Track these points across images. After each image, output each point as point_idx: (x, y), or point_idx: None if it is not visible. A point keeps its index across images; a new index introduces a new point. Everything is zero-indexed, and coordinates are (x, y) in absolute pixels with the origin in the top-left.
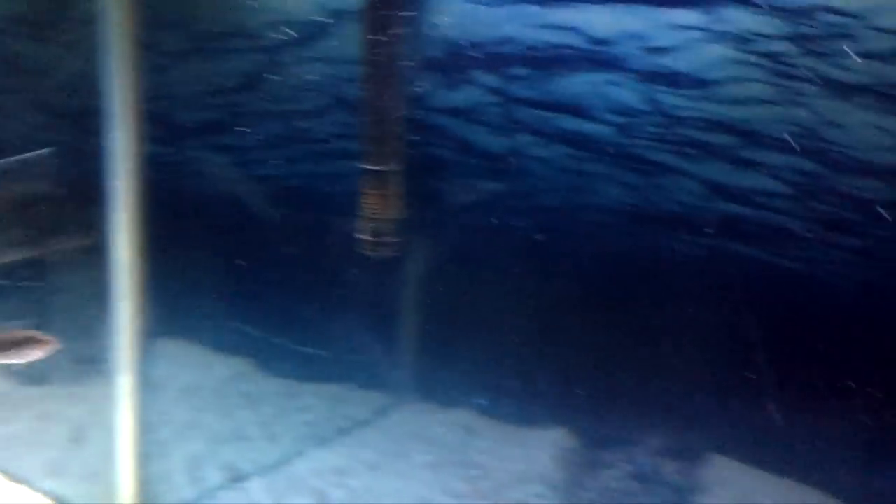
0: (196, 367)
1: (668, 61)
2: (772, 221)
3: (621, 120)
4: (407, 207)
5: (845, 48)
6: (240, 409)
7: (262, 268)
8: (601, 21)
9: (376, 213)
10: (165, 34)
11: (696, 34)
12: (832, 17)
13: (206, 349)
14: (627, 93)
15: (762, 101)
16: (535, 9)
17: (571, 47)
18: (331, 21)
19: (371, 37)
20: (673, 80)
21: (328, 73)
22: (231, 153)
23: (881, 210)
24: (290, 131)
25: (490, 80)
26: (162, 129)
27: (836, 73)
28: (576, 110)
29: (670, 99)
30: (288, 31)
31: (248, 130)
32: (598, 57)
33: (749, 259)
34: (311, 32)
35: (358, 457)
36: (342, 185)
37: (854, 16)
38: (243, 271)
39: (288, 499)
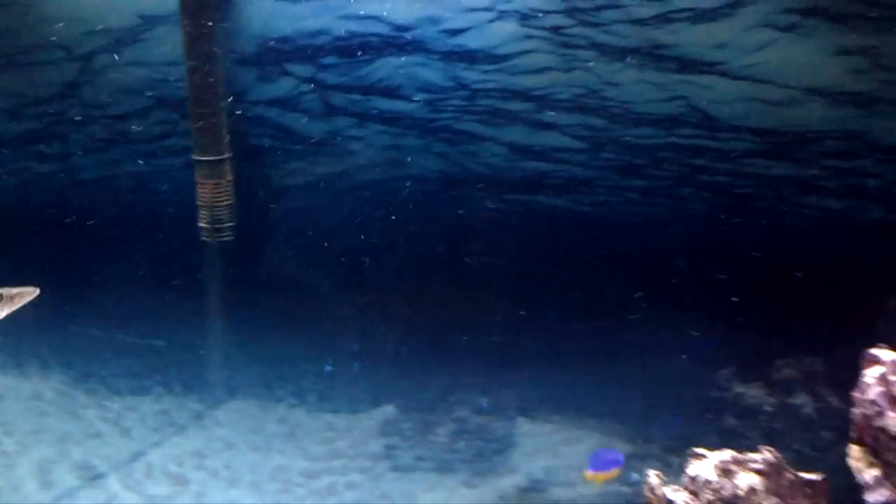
0: (36, 374)
1: (464, 41)
2: (569, 173)
3: (429, 96)
4: (239, 194)
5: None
6: (87, 409)
7: (101, 268)
8: (400, 9)
9: (212, 202)
10: None
11: (486, 14)
12: None
13: (46, 355)
14: (431, 72)
15: (549, 69)
16: (339, 2)
17: (376, 34)
18: (145, 26)
19: (190, 38)
20: (470, 57)
21: (146, 76)
22: (55, 161)
23: (662, 154)
24: (113, 134)
25: (304, 70)
26: None
27: (607, 39)
28: (387, 91)
29: (470, 74)
30: (103, 38)
31: (71, 137)
32: (401, 41)
33: (554, 208)
34: (126, 38)
35: (214, 437)
36: (174, 179)
37: None
38: (80, 274)
39: (148, 489)
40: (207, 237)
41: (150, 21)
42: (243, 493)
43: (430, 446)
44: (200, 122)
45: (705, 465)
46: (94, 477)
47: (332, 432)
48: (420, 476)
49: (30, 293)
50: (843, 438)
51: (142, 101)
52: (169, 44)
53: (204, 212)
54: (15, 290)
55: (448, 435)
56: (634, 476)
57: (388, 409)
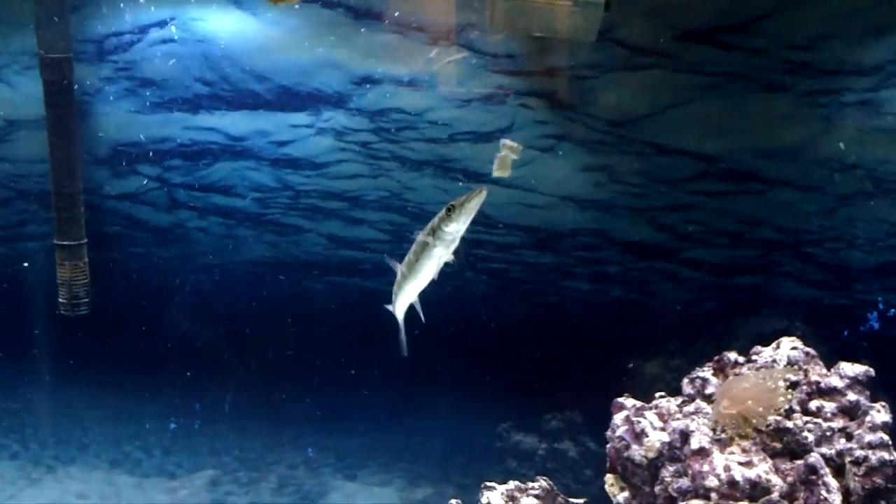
0: None
1: (289, 150)
2: (377, 260)
3: (260, 195)
4: (94, 273)
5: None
6: None
7: None
8: (236, 122)
9: (71, 280)
10: None
11: (308, 130)
12: (400, 115)
13: None
14: (262, 175)
15: (360, 176)
16: (183, 115)
17: (215, 143)
18: (10, 129)
19: (52, 140)
20: (295, 164)
21: (8, 171)
22: None
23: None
24: None
25: (152, 170)
26: None
27: (406, 153)
28: (224, 190)
29: (295, 178)
30: None
31: None
32: (236, 149)
33: (364, 289)
34: None
35: (68, 489)
36: (33, 261)
37: (414, 114)
38: None
39: None
40: (66, 311)
41: (13, 124)
42: None
43: (262, 492)
44: (61, 212)
45: (495, 494)
46: None
47: (175, 482)
48: None
49: (479, 195)
50: (600, 473)
51: (4, 193)
52: (31, 144)
53: (63, 289)
54: (468, 200)
55: (278, 481)
56: None
57: (226, 461)
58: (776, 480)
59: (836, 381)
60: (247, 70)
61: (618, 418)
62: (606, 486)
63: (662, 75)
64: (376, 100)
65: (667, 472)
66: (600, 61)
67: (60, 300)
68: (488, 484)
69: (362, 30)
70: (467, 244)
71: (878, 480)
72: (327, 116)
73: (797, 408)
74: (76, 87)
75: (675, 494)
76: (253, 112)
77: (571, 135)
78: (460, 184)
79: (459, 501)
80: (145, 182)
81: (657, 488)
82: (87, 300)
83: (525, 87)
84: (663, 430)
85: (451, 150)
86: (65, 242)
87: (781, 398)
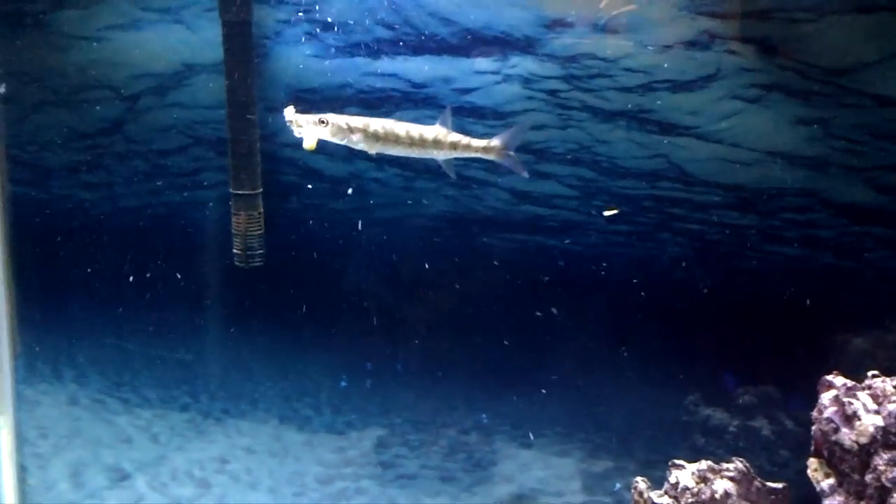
0: (72, 381)
1: (473, 98)
2: (563, 217)
3: None
4: (269, 224)
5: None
6: (119, 416)
7: (136, 286)
8: (418, 69)
9: (245, 231)
10: (24, 88)
11: (493, 77)
12: (593, 62)
13: (83, 365)
14: None
15: (547, 127)
16: (364, 60)
17: (395, 90)
18: (187, 73)
19: (230, 84)
20: (478, 112)
21: (186, 117)
22: (98, 190)
23: (645, 203)
24: (153, 168)
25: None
26: (29, 172)
27: (599, 103)
28: None
29: (477, 128)
30: (149, 82)
31: (115, 169)
32: (417, 97)
33: (549, 247)
34: (170, 83)
35: (236, 444)
36: (207, 210)
37: (609, 60)
38: (116, 292)
39: (172, 490)
40: (240, 262)
41: (192, 69)
42: (262, 495)
43: (433, 457)
44: (237, 160)
45: (684, 473)
46: (122, 478)
47: (344, 442)
48: (424, 483)
49: None
50: (797, 456)
51: (181, 140)
52: (208, 89)
53: (238, 240)
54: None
55: (450, 446)
56: (617, 485)
57: (397, 422)
58: None
59: None
60: (431, 12)
61: (825, 398)
62: (809, 471)
63: (892, 18)
64: (568, 45)
65: (880, 459)
66: (819, 3)
67: (235, 251)
68: (677, 462)
69: None
70: (662, 202)
71: None
72: (514, 62)
73: None
74: (255, 29)
75: (889, 485)
76: (436, 57)
77: (783, 84)
78: (656, 137)
79: (644, 479)
80: None
81: (868, 477)
82: (261, 252)
83: (732, 31)
84: (878, 413)
85: (648, 99)
86: (240, 192)
87: None
